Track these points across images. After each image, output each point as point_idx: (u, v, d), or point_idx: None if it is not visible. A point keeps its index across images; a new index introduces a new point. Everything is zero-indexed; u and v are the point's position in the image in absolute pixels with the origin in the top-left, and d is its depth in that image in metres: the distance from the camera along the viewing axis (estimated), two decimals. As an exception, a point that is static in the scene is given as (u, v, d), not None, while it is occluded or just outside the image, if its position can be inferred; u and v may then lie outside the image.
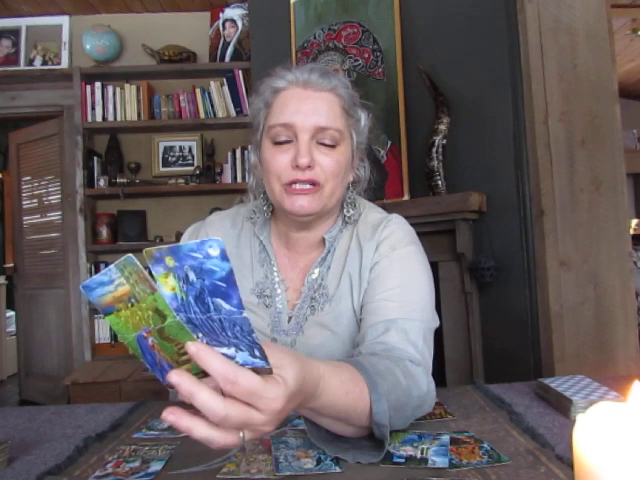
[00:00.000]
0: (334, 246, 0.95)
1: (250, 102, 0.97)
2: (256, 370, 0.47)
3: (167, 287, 0.45)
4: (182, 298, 0.45)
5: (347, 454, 0.63)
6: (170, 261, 0.43)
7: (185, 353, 0.47)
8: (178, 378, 0.45)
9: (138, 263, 0.45)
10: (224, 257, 0.42)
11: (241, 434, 0.48)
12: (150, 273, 0.45)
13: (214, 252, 0.42)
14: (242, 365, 0.47)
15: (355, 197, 0.98)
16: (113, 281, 0.45)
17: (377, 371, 0.65)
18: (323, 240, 0.95)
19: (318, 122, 0.86)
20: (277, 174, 0.87)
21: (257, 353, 0.46)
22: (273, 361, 0.47)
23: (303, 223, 0.91)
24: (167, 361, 0.49)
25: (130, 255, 0.45)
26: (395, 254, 0.89)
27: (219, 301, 0.44)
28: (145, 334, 0.48)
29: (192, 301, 0.45)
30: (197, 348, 0.46)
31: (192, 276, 0.43)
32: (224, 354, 0.47)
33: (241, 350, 0.46)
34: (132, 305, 0.47)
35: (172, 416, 0.46)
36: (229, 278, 0.43)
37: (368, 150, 1.00)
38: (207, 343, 0.47)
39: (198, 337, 0.47)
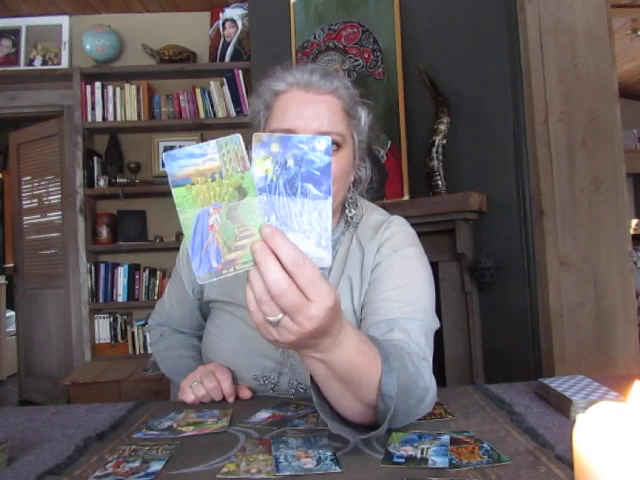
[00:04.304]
0: (335, 248, 0.95)
1: (249, 103, 0.97)
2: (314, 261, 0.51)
3: (261, 168, 0.49)
4: (272, 180, 0.49)
5: (347, 431, 0.63)
6: (275, 147, 0.49)
7: (244, 237, 0.50)
8: (260, 244, 0.49)
9: (242, 143, 0.48)
10: (328, 152, 0.49)
11: (280, 315, 0.51)
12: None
13: (321, 146, 0.49)
14: None
15: (357, 197, 0.98)
16: (205, 155, 0.48)
17: (388, 351, 0.66)
18: None
19: (320, 127, 0.86)
20: None
21: (324, 242, 0.50)
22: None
23: None
24: (219, 245, 0.50)
25: (238, 135, 0.48)
26: (396, 255, 0.89)
27: (309, 186, 0.49)
28: (212, 210, 0.50)
29: (281, 183, 0.49)
30: (272, 230, 0.49)
31: (291, 163, 0.49)
32: None
33: (308, 238, 0.50)
34: (213, 180, 0.49)
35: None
36: (326, 169, 0.49)
37: (368, 149, 1.00)
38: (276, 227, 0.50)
39: (269, 220, 0.50)
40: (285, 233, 0.50)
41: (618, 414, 0.36)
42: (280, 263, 0.49)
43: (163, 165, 3.28)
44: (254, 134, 0.49)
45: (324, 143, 0.48)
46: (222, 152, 0.48)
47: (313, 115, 0.86)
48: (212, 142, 0.48)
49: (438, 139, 1.95)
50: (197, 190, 0.49)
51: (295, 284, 0.49)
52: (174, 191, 0.50)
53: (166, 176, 0.50)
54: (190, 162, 0.48)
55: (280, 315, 0.51)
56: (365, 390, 0.62)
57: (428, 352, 0.81)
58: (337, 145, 0.88)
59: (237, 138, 0.48)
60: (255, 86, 0.95)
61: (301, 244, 0.50)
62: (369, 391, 0.62)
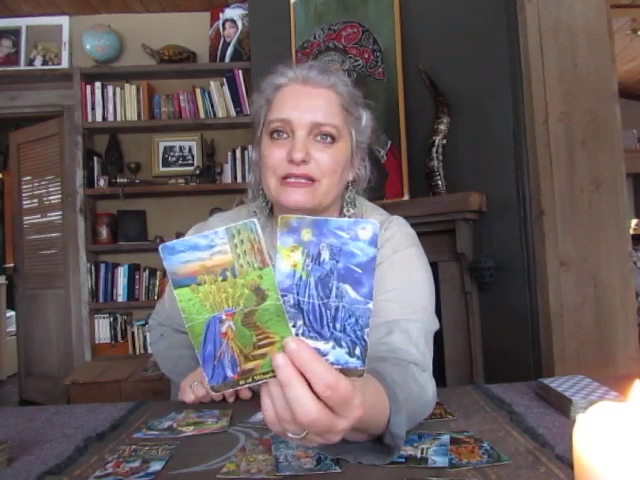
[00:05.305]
0: None
1: (252, 100, 0.97)
2: (344, 371, 0.44)
3: (288, 262, 0.40)
4: (301, 277, 0.41)
5: (349, 455, 0.62)
6: (307, 234, 0.40)
7: (263, 346, 0.42)
8: (284, 360, 0.41)
9: (260, 231, 0.40)
10: (373, 242, 0.40)
11: (304, 433, 0.45)
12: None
13: (365, 235, 0.40)
14: (333, 364, 0.43)
15: (355, 197, 0.98)
16: (213, 247, 0.40)
17: (394, 381, 0.63)
18: None
19: (315, 118, 0.86)
20: (273, 168, 0.87)
21: (357, 352, 0.43)
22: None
23: None
24: (234, 354, 0.43)
25: (254, 220, 0.40)
26: (396, 256, 0.89)
27: (345, 287, 0.41)
28: (224, 317, 0.42)
29: (312, 282, 0.41)
30: (299, 346, 0.41)
31: (325, 255, 0.40)
32: (316, 349, 0.43)
33: (340, 346, 0.43)
34: (224, 279, 0.40)
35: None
36: (369, 265, 0.40)
37: (369, 150, 1.00)
38: (302, 335, 0.43)
39: (294, 327, 0.42)
40: (313, 341, 0.43)
41: (618, 414, 0.36)
42: (307, 382, 0.42)
43: (163, 165, 3.28)
44: (280, 216, 0.40)
45: (370, 230, 0.39)
46: (234, 242, 0.39)
47: (308, 107, 0.86)
48: (221, 230, 0.40)
49: (438, 139, 1.95)
50: (205, 292, 0.41)
51: (325, 407, 0.43)
52: (177, 293, 0.41)
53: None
54: (194, 256, 0.40)
55: (304, 433, 0.45)
56: (374, 430, 0.60)
57: (428, 355, 0.82)
58: (332, 138, 0.87)
59: (252, 224, 0.39)
60: (257, 83, 0.95)
61: (331, 353, 0.43)
62: (379, 428, 0.60)
